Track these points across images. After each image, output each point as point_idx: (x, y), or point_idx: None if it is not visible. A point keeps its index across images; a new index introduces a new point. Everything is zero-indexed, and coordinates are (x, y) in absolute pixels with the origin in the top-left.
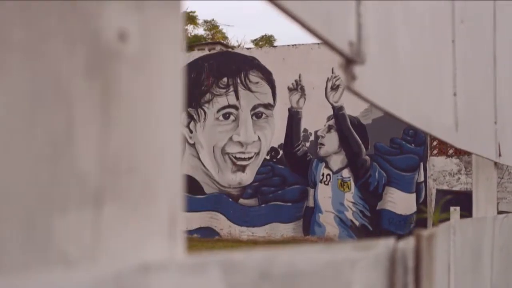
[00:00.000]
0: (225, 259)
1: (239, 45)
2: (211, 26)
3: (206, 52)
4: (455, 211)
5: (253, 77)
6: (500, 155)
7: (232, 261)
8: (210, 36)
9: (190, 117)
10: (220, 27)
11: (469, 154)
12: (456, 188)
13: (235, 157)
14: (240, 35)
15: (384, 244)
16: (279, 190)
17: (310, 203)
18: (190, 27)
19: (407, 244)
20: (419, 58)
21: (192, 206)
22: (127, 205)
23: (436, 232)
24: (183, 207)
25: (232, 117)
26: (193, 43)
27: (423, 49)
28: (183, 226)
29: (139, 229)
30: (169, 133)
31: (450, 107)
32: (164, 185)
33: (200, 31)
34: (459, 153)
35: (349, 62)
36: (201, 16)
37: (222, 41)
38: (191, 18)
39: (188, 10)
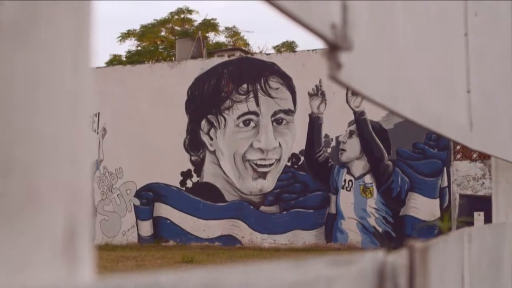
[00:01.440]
0: (148, 283)
1: (260, 52)
2: (233, 33)
3: (225, 58)
4: (479, 216)
5: (273, 82)
6: None
7: (159, 285)
8: (231, 43)
9: (210, 124)
10: (242, 34)
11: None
12: (481, 193)
13: (256, 164)
14: (261, 42)
15: (371, 258)
16: (301, 197)
17: (332, 209)
18: (211, 35)
19: (399, 258)
20: (424, 50)
21: (213, 214)
22: (3, 215)
23: (432, 244)
24: (88, 217)
25: (252, 124)
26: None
27: (429, 40)
28: (88, 240)
29: (18, 244)
30: (64, 125)
31: (464, 105)
32: (56, 190)
33: (222, 38)
34: (483, 157)
35: (333, 48)
36: (222, 23)
37: (243, 48)
38: (212, 26)
39: (209, 18)
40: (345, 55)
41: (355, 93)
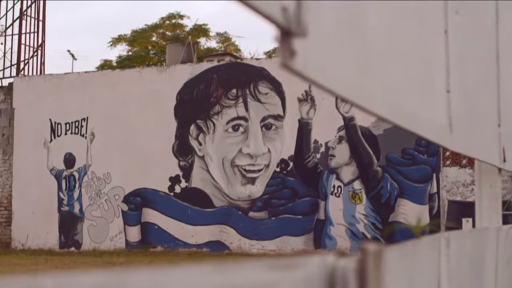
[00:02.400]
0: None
1: (251, 57)
2: (224, 38)
3: (215, 63)
4: (467, 222)
5: (263, 88)
6: (504, 160)
7: None
8: (222, 49)
9: (199, 129)
10: (233, 39)
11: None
12: (470, 199)
13: (244, 170)
14: (253, 47)
15: (319, 262)
16: (290, 203)
17: (321, 215)
18: (202, 40)
19: (350, 262)
20: (399, 45)
21: (201, 220)
22: None
23: (387, 248)
24: None
25: (241, 129)
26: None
27: (405, 36)
28: None
29: None
30: None
31: (443, 105)
32: None
33: (213, 43)
34: (472, 163)
35: (286, 33)
36: (214, 29)
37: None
38: (203, 31)
39: (200, 23)
40: (299, 42)
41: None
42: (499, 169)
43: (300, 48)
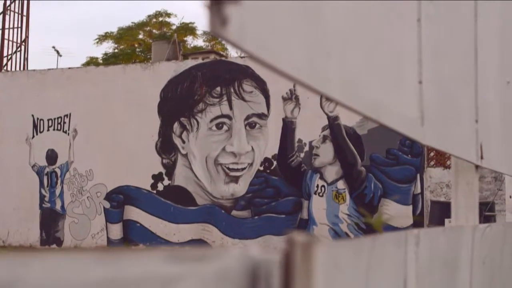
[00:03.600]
0: None
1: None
2: (211, 37)
3: (199, 60)
4: (449, 223)
5: (247, 86)
6: (482, 157)
7: None
8: (209, 47)
9: (183, 127)
10: (220, 38)
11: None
12: None
13: (228, 168)
14: None
15: (238, 254)
16: (273, 202)
17: (304, 215)
18: (189, 38)
19: (275, 254)
20: (362, 27)
21: (184, 218)
22: None
23: (320, 240)
24: None
25: (225, 127)
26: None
27: (369, 20)
28: None
29: None
30: None
31: (414, 96)
32: None
33: (200, 42)
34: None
35: None
36: (201, 27)
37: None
38: (190, 29)
39: (187, 22)
40: (232, 8)
41: (329, 99)
42: (476, 166)
43: (233, 15)
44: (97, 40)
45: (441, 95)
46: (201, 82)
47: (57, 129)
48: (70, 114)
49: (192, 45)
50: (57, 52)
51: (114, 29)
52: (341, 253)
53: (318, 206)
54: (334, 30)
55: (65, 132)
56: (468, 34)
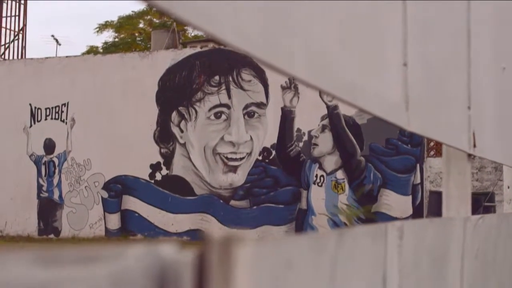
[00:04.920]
0: None
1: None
2: None
3: (198, 49)
4: None
5: (246, 75)
6: (475, 146)
7: None
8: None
9: (181, 116)
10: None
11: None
12: None
13: (226, 158)
14: None
15: (140, 254)
16: (271, 192)
17: (303, 205)
18: (190, 28)
19: (187, 255)
20: (335, 3)
21: (182, 208)
22: None
23: (244, 238)
24: None
25: (224, 116)
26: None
27: None
28: None
29: None
30: None
31: (397, 79)
32: None
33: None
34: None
35: None
36: None
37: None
38: None
39: None
40: None
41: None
42: (469, 155)
43: None
44: (97, 29)
45: (429, 79)
46: (200, 71)
47: (55, 118)
48: (68, 103)
49: (192, 34)
50: (56, 40)
51: (114, 18)
52: (293, 250)
53: (317, 196)
54: (299, 3)
55: (63, 121)
56: (460, 17)
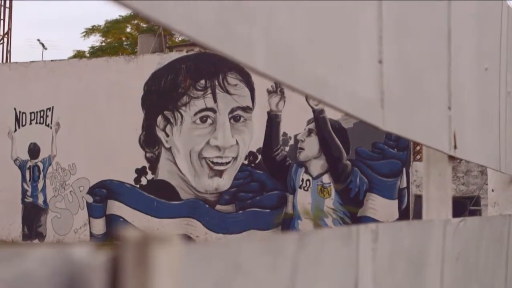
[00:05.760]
0: None
1: None
2: None
3: (183, 53)
4: None
5: (232, 79)
6: (455, 147)
7: None
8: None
9: (167, 120)
10: None
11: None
12: None
13: (212, 162)
14: None
15: (45, 256)
16: (257, 196)
17: (289, 209)
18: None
19: (99, 257)
20: None
21: (168, 212)
22: None
23: (166, 238)
24: None
25: (209, 121)
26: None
27: None
28: None
29: None
30: None
31: (372, 76)
32: None
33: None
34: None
35: None
36: None
37: None
38: None
39: None
40: None
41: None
42: (449, 156)
43: None
44: (84, 34)
45: (406, 77)
46: (185, 74)
47: (40, 123)
48: (52, 107)
49: (180, 39)
50: (42, 45)
51: (101, 23)
52: (244, 253)
53: (303, 201)
54: None
55: (48, 125)
56: (440, 15)
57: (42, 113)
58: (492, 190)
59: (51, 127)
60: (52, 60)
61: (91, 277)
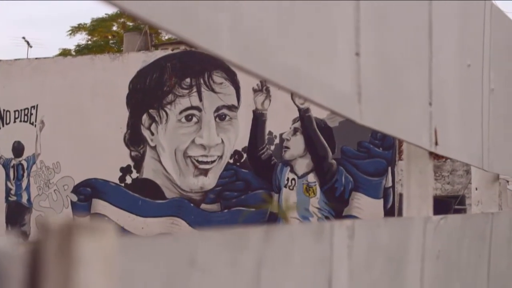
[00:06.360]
0: None
1: None
2: None
3: (169, 51)
4: None
5: (217, 77)
6: (436, 143)
7: None
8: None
9: (152, 119)
10: None
11: (438, 158)
12: None
13: (197, 161)
14: None
15: None
16: (243, 195)
17: (274, 208)
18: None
19: (17, 247)
20: None
21: (152, 212)
22: None
23: (98, 227)
24: None
25: (194, 119)
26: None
27: None
28: None
29: None
30: None
31: (348, 69)
32: None
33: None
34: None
35: None
36: None
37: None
38: None
39: None
40: None
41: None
42: (430, 153)
43: None
44: (70, 32)
45: (385, 71)
46: (171, 73)
47: (24, 121)
48: (37, 105)
49: (166, 37)
50: (28, 43)
51: (88, 21)
52: (200, 247)
53: (288, 200)
54: None
55: (32, 123)
56: (421, 9)
57: (26, 111)
58: (476, 189)
59: (35, 125)
60: (36, 58)
61: (9, 268)
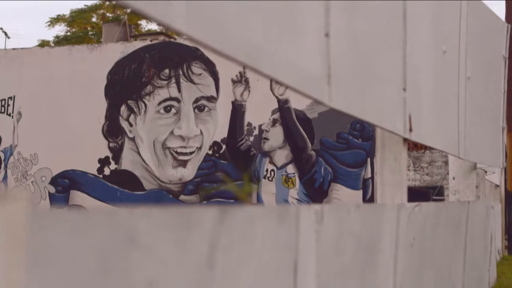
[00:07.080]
0: None
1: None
2: None
3: (147, 42)
4: None
5: (196, 68)
6: (411, 130)
7: None
8: (164, 31)
9: (130, 110)
10: None
11: (417, 149)
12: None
13: (176, 152)
14: None
15: None
16: (221, 187)
17: (254, 199)
18: (143, 22)
19: None
20: None
21: (131, 203)
22: None
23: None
24: None
25: (173, 110)
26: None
27: None
28: None
29: None
30: None
31: (317, 50)
32: None
33: (154, 26)
34: (407, 148)
35: None
36: None
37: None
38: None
39: None
40: None
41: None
42: (404, 139)
43: None
44: (49, 23)
45: (356, 54)
46: (149, 64)
47: (1, 112)
48: (14, 96)
49: (146, 29)
50: (5, 33)
51: (67, 12)
52: (140, 225)
53: (267, 191)
54: None
55: (9, 115)
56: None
57: (3, 102)
58: (453, 178)
59: (12, 117)
60: (14, 49)
61: None
